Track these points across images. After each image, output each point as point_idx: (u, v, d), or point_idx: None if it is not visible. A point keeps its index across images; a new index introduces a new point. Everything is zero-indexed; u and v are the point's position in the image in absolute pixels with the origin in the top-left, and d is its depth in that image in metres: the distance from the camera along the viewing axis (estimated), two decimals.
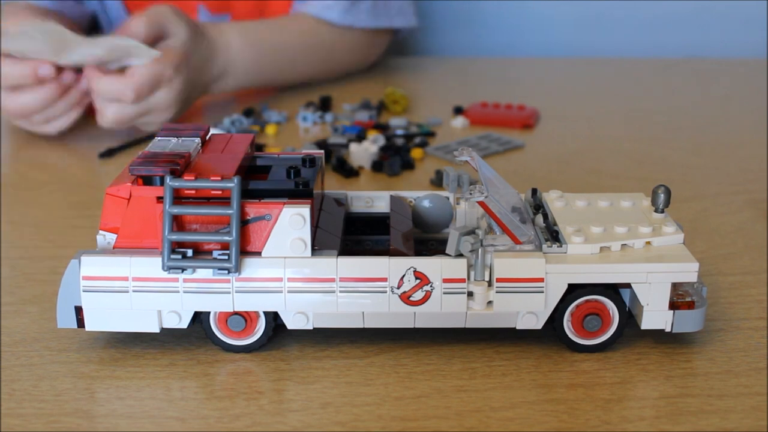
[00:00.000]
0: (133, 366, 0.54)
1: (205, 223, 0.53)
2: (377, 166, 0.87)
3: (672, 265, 0.53)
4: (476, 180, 0.58)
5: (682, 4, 1.43)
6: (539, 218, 0.58)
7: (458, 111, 1.06)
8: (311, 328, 0.54)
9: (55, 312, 0.54)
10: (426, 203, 0.63)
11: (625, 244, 0.55)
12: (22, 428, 0.48)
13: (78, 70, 0.93)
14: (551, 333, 0.56)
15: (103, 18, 1.22)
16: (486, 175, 0.55)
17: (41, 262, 0.68)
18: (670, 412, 0.50)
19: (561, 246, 0.54)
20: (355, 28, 1.18)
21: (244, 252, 0.53)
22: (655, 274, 0.53)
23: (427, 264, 0.53)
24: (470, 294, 0.53)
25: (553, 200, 0.60)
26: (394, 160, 0.87)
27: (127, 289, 0.53)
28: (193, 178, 0.52)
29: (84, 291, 0.53)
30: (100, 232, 0.55)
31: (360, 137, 0.94)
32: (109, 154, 0.92)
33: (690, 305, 0.54)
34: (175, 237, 0.52)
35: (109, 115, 0.93)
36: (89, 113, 1.05)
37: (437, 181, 0.83)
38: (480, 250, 0.53)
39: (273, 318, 0.55)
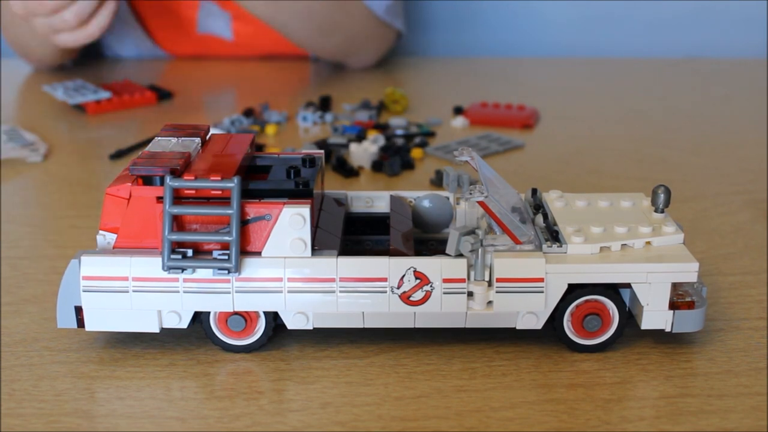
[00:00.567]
0: (133, 366, 0.54)
1: (205, 223, 0.53)
2: (377, 166, 0.87)
3: (672, 265, 0.53)
4: (476, 180, 0.58)
5: (682, 4, 1.43)
6: (539, 218, 0.58)
7: (458, 111, 1.06)
8: (311, 328, 0.54)
9: (55, 312, 0.54)
10: (426, 203, 0.63)
11: (625, 244, 0.55)
12: (22, 428, 0.48)
13: None
14: (551, 333, 0.56)
15: None
16: (486, 175, 0.55)
17: (41, 262, 0.68)
18: (670, 412, 0.50)
19: (561, 246, 0.54)
20: (372, 12, 1.20)
21: (244, 252, 0.53)
22: (655, 274, 0.53)
23: (427, 264, 0.53)
24: (470, 294, 0.53)
25: (553, 200, 0.60)
26: (394, 160, 0.87)
27: (127, 289, 0.53)
28: (193, 178, 0.52)
29: (84, 291, 0.53)
30: (100, 232, 0.55)
31: (360, 137, 0.94)
32: (118, 155, 0.91)
33: (690, 305, 0.54)
34: (175, 237, 0.52)
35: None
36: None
37: (437, 181, 0.83)
38: (480, 250, 0.53)
39: (273, 318, 0.55)
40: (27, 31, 1.14)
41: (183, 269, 0.52)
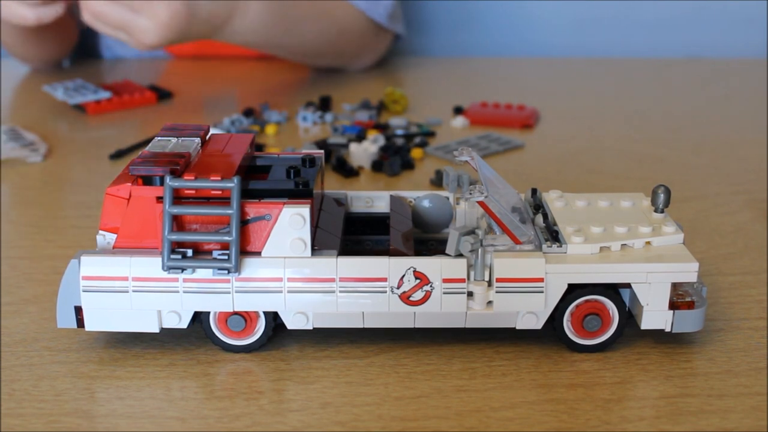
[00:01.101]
0: (133, 366, 0.54)
1: (205, 223, 0.53)
2: (377, 166, 0.87)
3: (672, 265, 0.53)
4: (476, 180, 0.58)
5: (682, 4, 1.42)
6: (539, 218, 0.58)
7: (458, 111, 1.06)
8: (311, 328, 0.54)
9: (55, 312, 0.54)
10: (426, 203, 0.63)
11: (625, 244, 0.55)
12: (22, 428, 0.48)
13: None
14: (551, 333, 0.56)
15: None
16: (486, 175, 0.55)
17: (41, 262, 0.68)
18: (670, 412, 0.50)
19: (561, 246, 0.54)
20: (370, 18, 1.20)
21: (244, 252, 0.53)
22: (655, 274, 0.53)
23: (427, 264, 0.53)
24: (470, 294, 0.53)
25: (553, 200, 0.60)
26: (394, 160, 0.87)
27: (127, 289, 0.53)
28: (193, 178, 0.52)
29: (84, 291, 0.53)
30: (100, 232, 0.55)
31: (360, 137, 0.94)
32: (118, 155, 0.91)
33: (690, 305, 0.54)
34: (175, 237, 0.52)
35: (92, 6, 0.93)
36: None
37: (437, 181, 0.83)
38: (480, 250, 0.53)
39: (273, 318, 0.55)
40: (9, 30, 1.14)
41: (183, 269, 0.52)
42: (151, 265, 0.53)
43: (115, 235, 0.54)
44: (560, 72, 1.31)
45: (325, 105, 1.08)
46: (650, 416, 0.49)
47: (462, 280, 0.53)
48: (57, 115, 1.06)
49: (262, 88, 1.17)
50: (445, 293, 0.53)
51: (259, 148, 0.92)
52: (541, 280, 0.53)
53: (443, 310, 0.53)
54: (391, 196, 0.63)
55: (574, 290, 0.54)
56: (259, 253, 0.53)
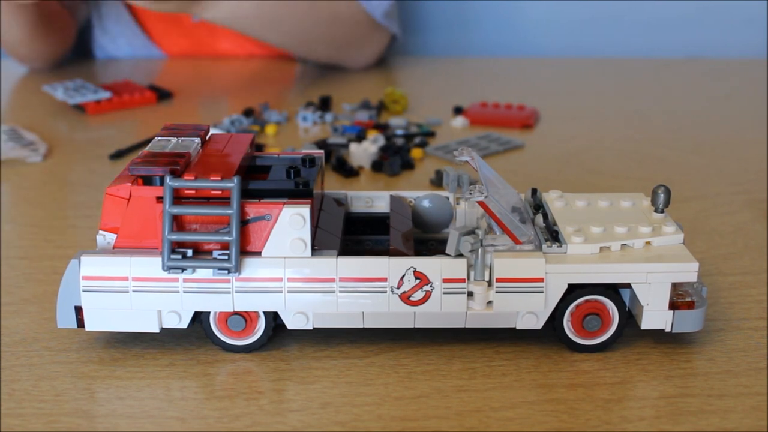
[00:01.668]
0: (133, 366, 0.54)
1: (205, 223, 0.53)
2: (377, 166, 0.87)
3: (672, 265, 0.53)
4: (476, 180, 0.58)
5: (682, 4, 1.42)
6: (539, 218, 0.58)
7: (458, 111, 1.06)
8: (311, 328, 0.54)
9: (55, 312, 0.54)
10: (426, 203, 0.63)
11: (625, 244, 0.55)
12: (22, 428, 0.48)
13: None
14: (551, 333, 0.56)
15: None
16: (486, 175, 0.55)
17: (41, 262, 0.68)
18: (670, 412, 0.50)
19: (561, 246, 0.54)
20: (369, 15, 1.19)
21: (244, 252, 0.53)
22: (655, 274, 0.53)
23: (427, 264, 0.53)
24: (470, 294, 0.53)
25: (553, 200, 0.60)
26: (394, 160, 0.87)
27: (127, 289, 0.53)
28: (193, 178, 0.52)
29: (84, 291, 0.53)
30: (100, 232, 0.55)
31: (360, 137, 0.94)
32: (118, 155, 0.91)
33: (690, 305, 0.54)
34: (175, 237, 0.52)
35: None
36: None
37: (437, 181, 0.83)
38: (480, 250, 0.53)
39: (273, 318, 0.55)
40: (9, 27, 1.14)
41: (183, 269, 0.52)
42: (151, 265, 0.53)
43: (115, 235, 0.54)
44: (560, 72, 1.31)
45: (325, 105, 1.08)
46: (650, 416, 0.49)
47: (462, 280, 0.53)
48: (57, 115, 1.06)
49: (262, 88, 1.17)
50: (445, 293, 0.53)
51: (259, 148, 0.92)
52: (541, 280, 0.53)
53: (443, 310, 0.53)
54: (391, 196, 0.63)
55: (574, 290, 0.54)
56: (259, 253, 0.53)
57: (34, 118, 1.05)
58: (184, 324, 0.54)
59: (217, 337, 0.55)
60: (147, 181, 0.54)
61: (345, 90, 1.16)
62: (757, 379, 0.52)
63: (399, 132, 0.97)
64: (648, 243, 0.55)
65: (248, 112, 1.04)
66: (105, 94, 1.09)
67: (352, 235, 0.62)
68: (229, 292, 0.53)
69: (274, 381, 0.53)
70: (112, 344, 0.56)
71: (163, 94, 1.13)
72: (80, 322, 0.54)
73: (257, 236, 0.53)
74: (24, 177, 0.87)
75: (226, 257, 0.52)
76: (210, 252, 0.53)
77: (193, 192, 0.53)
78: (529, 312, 0.54)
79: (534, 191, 0.62)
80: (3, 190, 0.83)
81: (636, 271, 0.53)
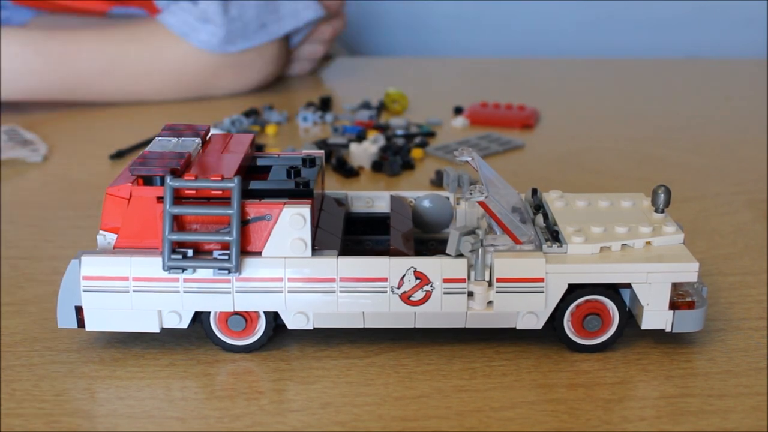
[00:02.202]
0: (133, 366, 0.54)
1: (205, 223, 0.53)
2: (377, 166, 0.87)
3: (672, 265, 0.53)
4: (476, 180, 0.58)
5: (682, 4, 1.43)
6: (539, 218, 0.58)
7: (458, 111, 1.06)
8: (311, 328, 0.54)
9: (56, 312, 0.54)
10: (426, 203, 0.63)
11: (625, 244, 0.55)
12: (22, 428, 0.48)
13: None
14: (551, 333, 0.56)
15: None
16: (486, 175, 0.55)
17: (41, 262, 0.68)
18: (670, 412, 0.50)
19: (561, 246, 0.54)
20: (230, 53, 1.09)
21: (245, 252, 0.53)
22: (655, 274, 0.53)
23: (427, 264, 0.53)
24: (470, 294, 0.53)
25: (553, 200, 0.60)
26: (394, 160, 0.87)
27: (128, 289, 0.53)
28: (193, 178, 0.52)
29: (84, 291, 0.53)
30: (101, 232, 0.55)
31: (360, 137, 0.94)
32: (118, 155, 0.91)
33: (690, 305, 0.54)
34: (176, 237, 0.52)
35: None
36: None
37: (437, 181, 0.83)
38: (480, 250, 0.53)
39: (273, 318, 0.55)
40: None
41: (183, 269, 0.52)
42: (151, 265, 0.53)
43: (116, 235, 0.54)
44: (560, 72, 1.31)
45: (325, 105, 1.08)
46: (650, 416, 0.49)
47: (462, 280, 0.53)
48: (57, 115, 1.06)
49: (262, 88, 1.17)
50: (445, 293, 0.53)
51: (260, 148, 0.92)
52: (541, 280, 0.53)
53: (443, 310, 0.53)
54: (391, 196, 0.63)
55: (574, 290, 0.54)
56: (259, 253, 0.53)
57: (34, 118, 1.05)
58: (184, 324, 0.54)
59: (217, 337, 0.55)
60: (147, 181, 0.54)
61: (345, 90, 1.16)
62: (758, 379, 0.52)
63: (399, 132, 0.97)
64: (648, 243, 0.55)
65: (248, 113, 1.04)
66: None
67: (352, 235, 0.62)
68: (229, 292, 0.53)
69: (275, 381, 0.53)
70: (112, 344, 0.56)
71: None
72: (81, 322, 0.54)
73: (258, 236, 0.53)
74: (24, 177, 0.87)
75: (227, 257, 0.52)
76: (210, 252, 0.53)
77: (194, 192, 0.53)
78: (530, 312, 0.54)
79: (534, 191, 0.62)
80: (3, 190, 0.83)
81: (636, 271, 0.53)
